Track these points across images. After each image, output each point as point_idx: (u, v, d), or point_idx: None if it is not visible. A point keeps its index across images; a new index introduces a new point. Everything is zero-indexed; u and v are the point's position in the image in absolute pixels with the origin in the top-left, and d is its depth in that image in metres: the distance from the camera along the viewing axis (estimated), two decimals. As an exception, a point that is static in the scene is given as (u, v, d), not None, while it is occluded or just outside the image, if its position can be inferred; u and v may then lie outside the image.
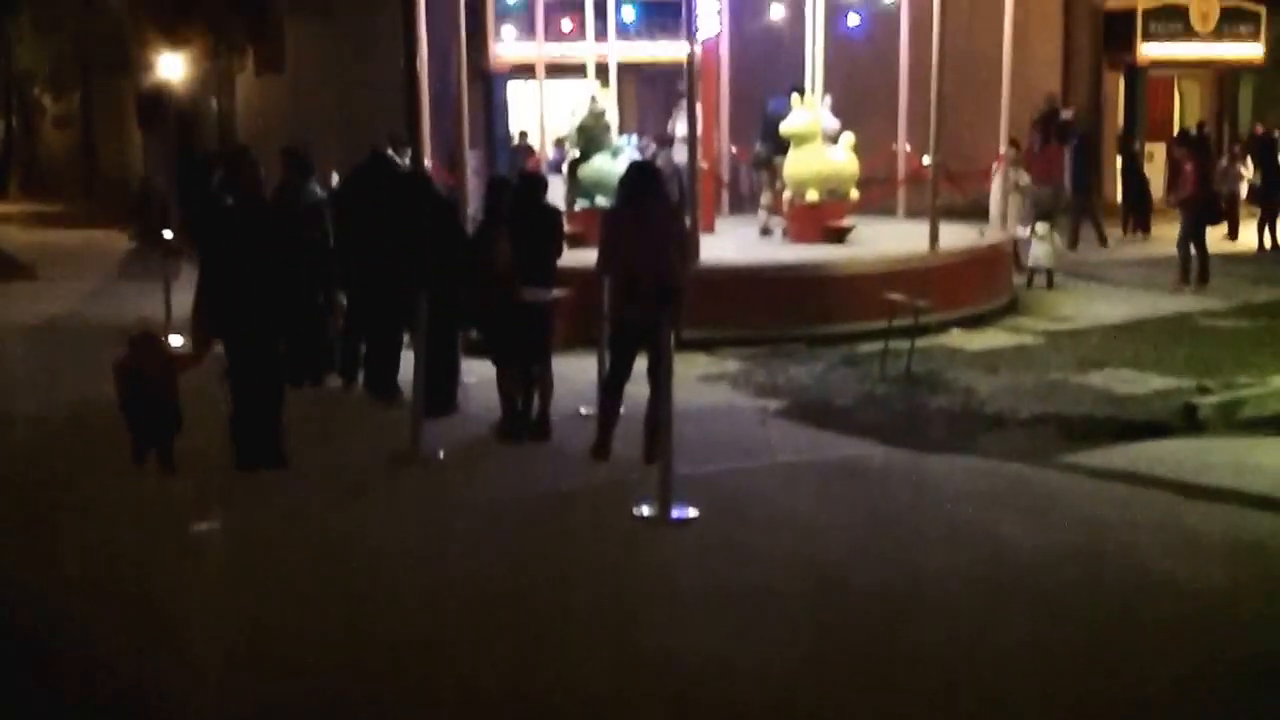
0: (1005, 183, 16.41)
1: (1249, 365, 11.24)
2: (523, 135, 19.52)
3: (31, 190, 37.72)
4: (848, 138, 14.65)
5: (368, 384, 10.45)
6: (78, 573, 6.60)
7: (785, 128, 14.50)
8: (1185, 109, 27.71)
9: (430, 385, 8.90)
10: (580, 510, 7.68)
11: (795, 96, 14.53)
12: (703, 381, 11.09)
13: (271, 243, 8.15)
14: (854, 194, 14.73)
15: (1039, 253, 16.05)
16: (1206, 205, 16.58)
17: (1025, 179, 17.01)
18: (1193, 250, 16.09)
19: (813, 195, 14.33)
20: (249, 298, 7.96)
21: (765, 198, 15.36)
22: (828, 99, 15.42)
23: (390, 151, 12.79)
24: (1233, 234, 20.33)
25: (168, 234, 15.06)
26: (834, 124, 14.92)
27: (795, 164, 14.49)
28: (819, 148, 14.46)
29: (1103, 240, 19.93)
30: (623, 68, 17.75)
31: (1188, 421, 9.54)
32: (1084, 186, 20.32)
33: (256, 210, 8.40)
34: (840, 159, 14.55)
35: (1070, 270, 16.95)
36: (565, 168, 14.47)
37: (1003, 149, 15.44)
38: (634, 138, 15.65)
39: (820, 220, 14.34)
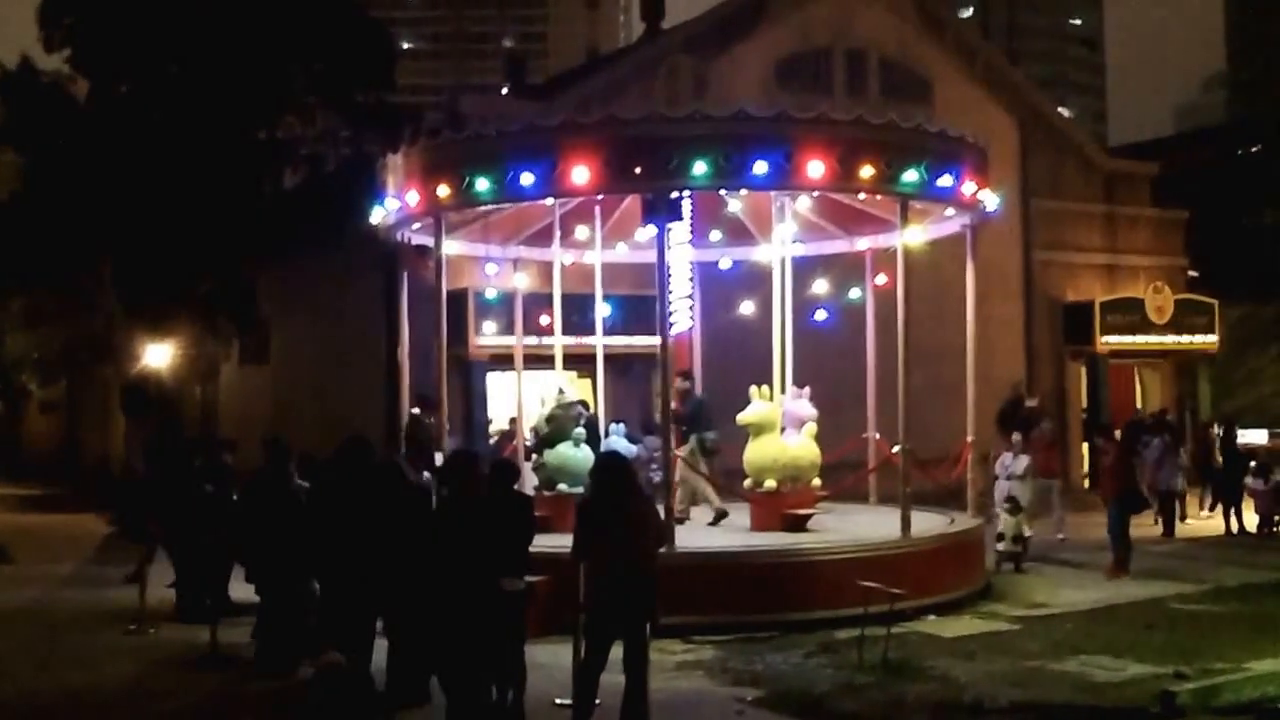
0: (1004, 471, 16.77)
1: (1224, 650, 11.24)
2: (512, 422, 19.86)
3: (15, 474, 37.83)
4: (809, 426, 15.07)
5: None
6: None
7: (743, 417, 14.94)
8: (1146, 396, 28.46)
9: (402, 675, 8.83)
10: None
11: (754, 388, 15.01)
12: (679, 669, 11.01)
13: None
14: (815, 481, 14.99)
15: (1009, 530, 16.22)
16: (1130, 495, 16.59)
17: (1022, 465, 17.39)
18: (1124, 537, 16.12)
19: (771, 483, 14.63)
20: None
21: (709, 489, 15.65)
22: (806, 390, 15.89)
23: (418, 411, 13.20)
24: (1167, 530, 19.93)
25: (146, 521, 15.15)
26: (811, 413, 15.34)
27: (754, 452, 14.86)
28: (776, 437, 14.85)
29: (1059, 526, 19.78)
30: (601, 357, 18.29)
31: (1166, 708, 9.49)
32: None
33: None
34: (799, 447, 14.90)
35: (1038, 555, 17.05)
36: (532, 455, 14.88)
37: (970, 436, 15.77)
38: (621, 425, 16.06)
39: (780, 508, 14.54)
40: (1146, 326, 26.83)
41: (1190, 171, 31.50)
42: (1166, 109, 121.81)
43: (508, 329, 18.96)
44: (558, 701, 9.40)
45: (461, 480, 9.28)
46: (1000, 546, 16.18)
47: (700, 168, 12.71)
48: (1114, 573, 15.80)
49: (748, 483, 15.02)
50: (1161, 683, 10.04)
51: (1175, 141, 46.99)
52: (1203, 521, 21.22)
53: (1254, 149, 33.51)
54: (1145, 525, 18.96)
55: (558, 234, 16.41)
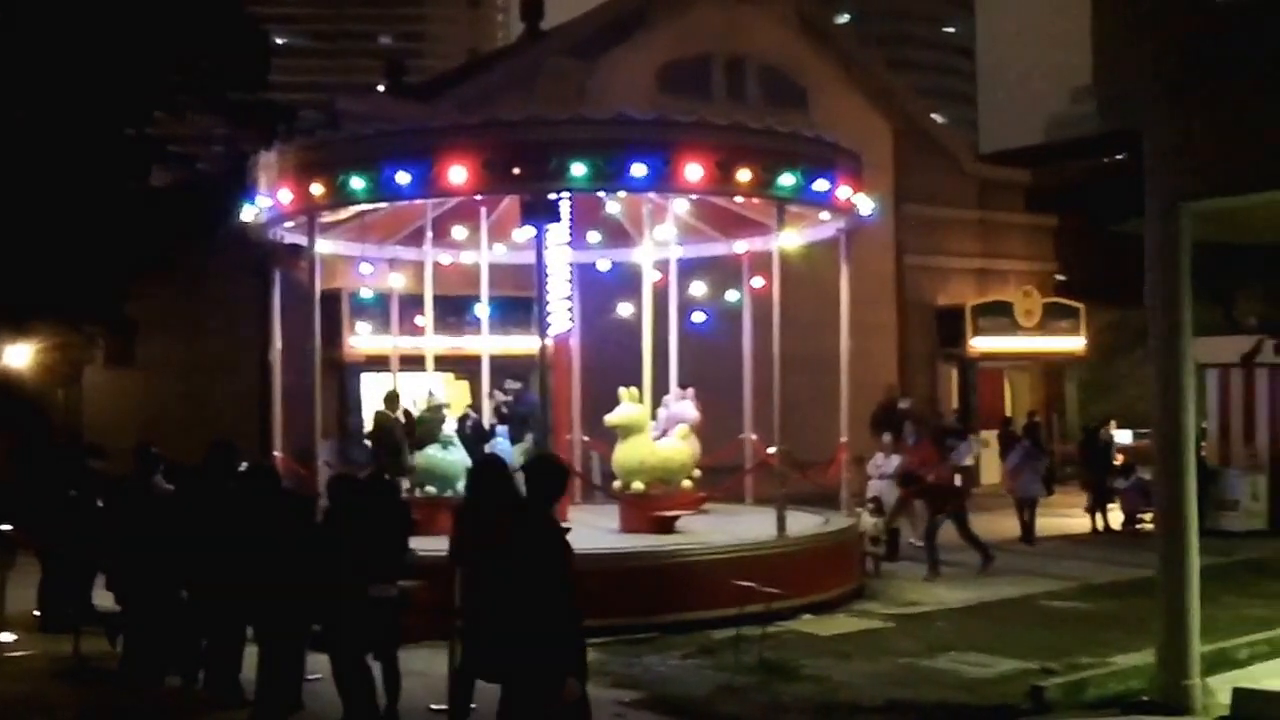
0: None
1: (1091, 646, 11.52)
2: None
3: None
4: (680, 428, 15.13)
5: (208, 684, 10.10)
6: None
7: (610, 419, 14.96)
8: (1015, 398, 29.10)
9: (273, 684, 8.65)
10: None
11: (623, 390, 15.05)
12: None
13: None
14: (686, 483, 15.04)
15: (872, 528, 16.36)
16: (940, 495, 16.54)
17: (893, 465, 17.50)
18: (965, 540, 16.32)
19: (639, 485, 14.63)
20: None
21: None
22: (690, 391, 15.96)
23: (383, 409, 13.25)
24: (1025, 537, 19.11)
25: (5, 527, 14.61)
26: (694, 415, 15.40)
27: (622, 454, 14.89)
28: (646, 439, 14.87)
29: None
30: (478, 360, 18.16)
31: (1035, 703, 9.70)
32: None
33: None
34: (669, 449, 14.94)
35: (910, 555, 17.29)
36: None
37: (843, 438, 15.95)
38: (505, 428, 16.00)
39: (648, 510, 14.57)
40: (1015, 330, 27.43)
41: (1059, 179, 32.29)
42: (1037, 118, 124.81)
43: (384, 330, 18.72)
44: (433, 708, 9.29)
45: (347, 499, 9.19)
46: (869, 548, 16.15)
47: (579, 170, 12.77)
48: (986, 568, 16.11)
49: (617, 484, 15.03)
50: (1031, 678, 10.26)
51: (1045, 150, 48.17)
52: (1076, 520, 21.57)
53: (1119, 157, 34.50)
54: (1009, 530, 19.28)
55: (430, 234, 16.27)
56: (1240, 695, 9.33)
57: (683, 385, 16.45)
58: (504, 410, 15.92)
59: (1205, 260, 10.01)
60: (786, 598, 12.43)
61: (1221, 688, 9.54)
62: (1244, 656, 11.00)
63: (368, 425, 20.50)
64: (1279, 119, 8.59)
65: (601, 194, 14.93)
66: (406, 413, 15.34)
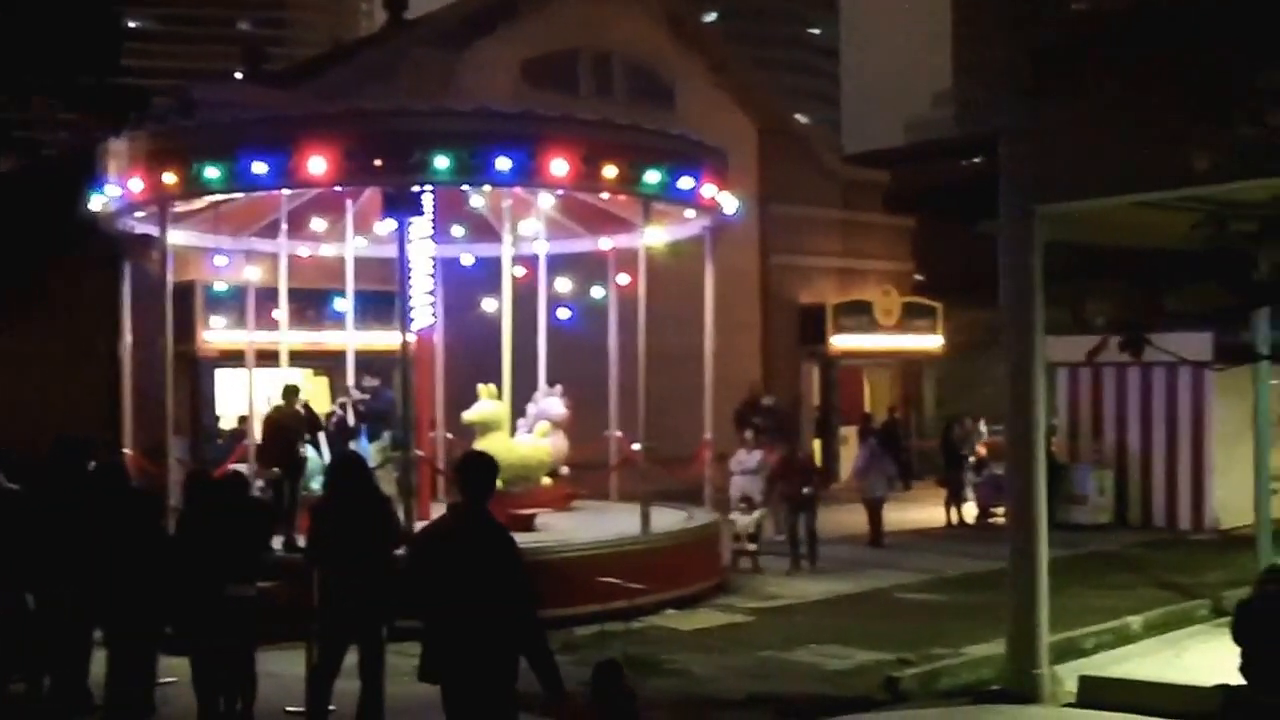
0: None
1: (945, 636, 11.79)
2: (242, 421, 19.20)
3: None
4: (541, 425, 15.09)
5: (54, 689, 9.75)
6: None
7: (468, 416, 14.86)
8: (875, 396, 29.62)
9: (124, 688, 8.40)
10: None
11: (481, 386, 14.95)
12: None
13: None
14: (546, 480, 14.99)
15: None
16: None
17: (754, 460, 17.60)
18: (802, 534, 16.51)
19: (496, 483, 14.43)
20: None
21: None
22: (558, 388, 15.91)
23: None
24: (873, 539, 18.68)
25: None
26: (562, 412, 15.35)
27: None
28: (504, 436, 14.79)
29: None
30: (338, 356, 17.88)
31: (891, 693, 9.90)
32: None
33: None
34: (528, 447, 14.88)
35: (774, 549, 17.47)
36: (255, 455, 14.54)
37: (707, 435, 16.05)
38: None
39: (505, 508, 14.45)
40: (875, 328, 27.91)
41: (919, 181, 32.94)
42: (899, 121, 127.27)
43: (239, 324, 18.30)
44: (289, 709, 9.11)
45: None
46: (737, 546, 16.35)
47: (443, 162, 12.65)
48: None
49: None
50: (887, 669, 10.46)
51: (908, 152, 49.14)
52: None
53: (976, 161, 35.34)
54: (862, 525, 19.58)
55: (285, 226, 15.94)
56: (1086, 682, 9.64)
57: (550, 382, 16.41)
58: (360, 408, 15.66)
59: (1057, 261, 10.30)
60: (650, 593, 12.48)
61: (1069, 675, 9.86)
62: (1090, 645, 11.39)
63: (225, 422, 20.14)
64: (1132, 126, 8.85)
65: (465, 188, 14.80)
66: (307, 405, 15.04)
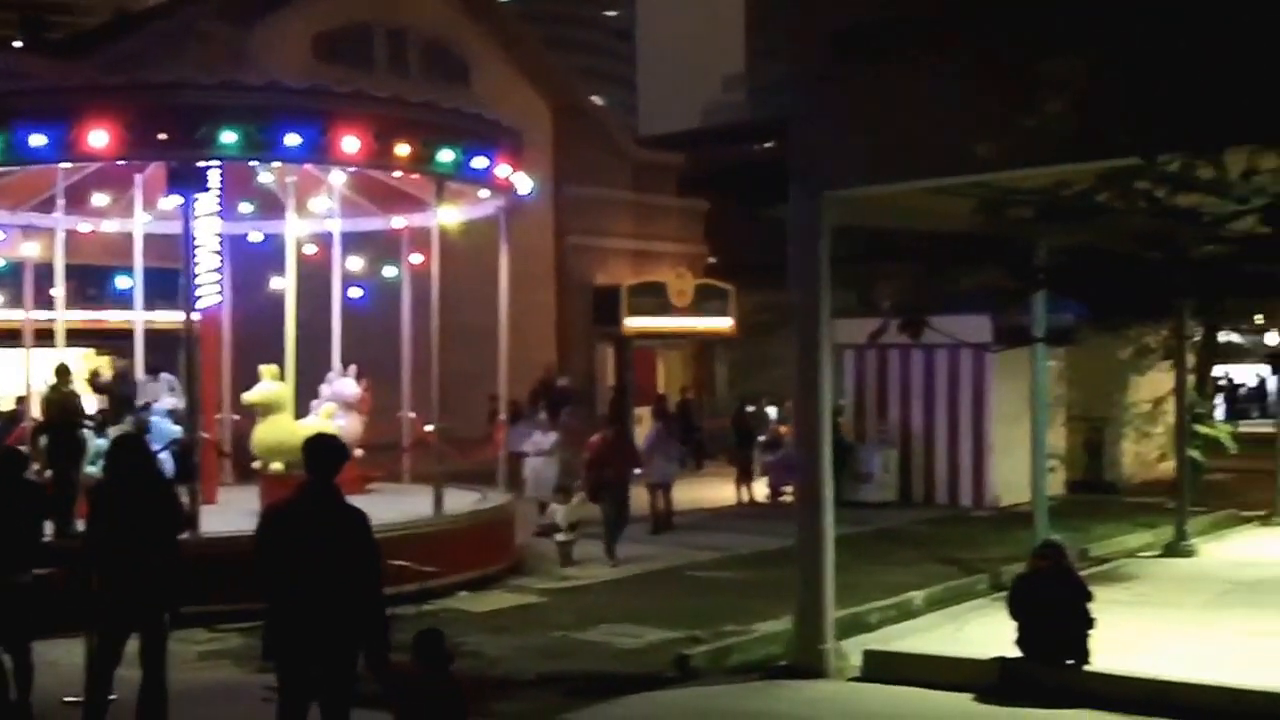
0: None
1: (736, 613, 12.02)
2: (20, 402, 18.34)
3: None
4: (326, 407, 14.86)
5: None
6: None
7: (248, 397, 14.58)
8: (669, 376, 30.03)
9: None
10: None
11: (263, 367, 14.67)
12: (203, 659, 10.59)
13: None
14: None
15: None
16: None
17: (549, 441, 17.34)
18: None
19: (278, 466, 14.19)
20: None
21: None
22: (352, 369, 15.64)
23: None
24: (658, 526, 17.99)
25: None
26: (355, 393, 15.09)
27: (262, 434, 14.57)
28: (287, 418, 14.54)
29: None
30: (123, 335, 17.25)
31: (681, 671, 10.06)
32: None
33: None
34: (311, 429, 14.61)
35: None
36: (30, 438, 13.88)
37: (501, 416, 16.02)
38: (163, 406, 15.24)
39: (288, 491, 14.18)
40: (669, 310, 28.27)
41: (711, 164, 33.44)
42: (693, 105, 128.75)
43: (16, 302, 17.50)
44: (67, 699, 8.77)
45: None
46: (559, 537, 15.26)
47: (230, 137, 12.33)
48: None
49: (257, 464, 14.61)
50: (678, 647, 10.62)
51: (699, 136, 49.79)
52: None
53: (769, 145, 36.08)
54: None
55: (61, 201, 15.26)
56: (870, 657, 9.97)
57: (345, 363, 16.13)
58: (110, 391, 15.15)
59: (851, 245, 10.54)
60: (443, 575, 12.42)
61: (854, 650, 10.15)
62: (875, 620, 11.74)
63: (1, 403, 19.19)
64: (920, 111, 9.08)
65: (254, 164, 14.41)
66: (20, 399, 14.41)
